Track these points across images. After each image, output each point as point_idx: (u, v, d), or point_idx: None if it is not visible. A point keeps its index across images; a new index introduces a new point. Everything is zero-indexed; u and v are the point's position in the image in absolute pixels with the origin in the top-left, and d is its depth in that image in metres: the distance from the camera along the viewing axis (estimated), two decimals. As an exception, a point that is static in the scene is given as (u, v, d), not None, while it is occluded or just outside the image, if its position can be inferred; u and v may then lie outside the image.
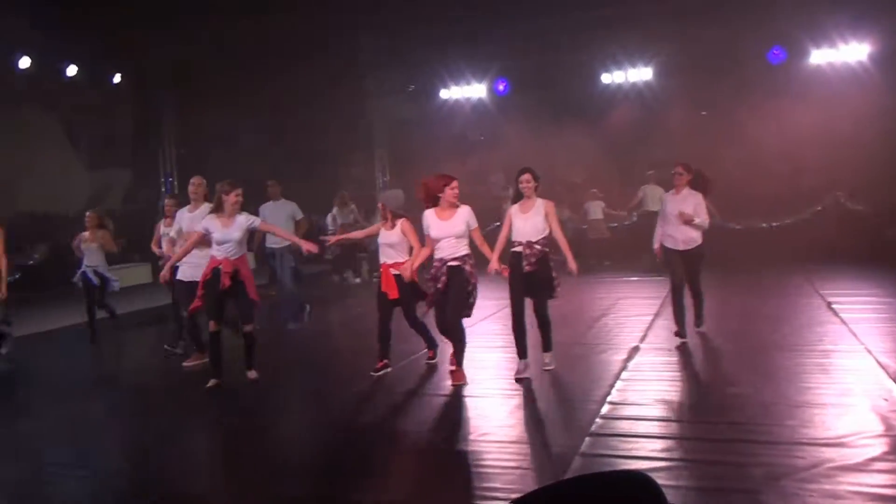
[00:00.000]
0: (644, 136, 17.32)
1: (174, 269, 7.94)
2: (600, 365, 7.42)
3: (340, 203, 16.00)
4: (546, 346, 7.20)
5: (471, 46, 17.70)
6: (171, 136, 18.99)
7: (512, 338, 7.02)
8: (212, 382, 7.23)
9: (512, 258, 7.00)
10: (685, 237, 8.13)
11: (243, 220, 7.29)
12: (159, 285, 8.71)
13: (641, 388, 6.51)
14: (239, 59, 18.60)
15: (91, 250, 9.90)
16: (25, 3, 14.04)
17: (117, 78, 17.23)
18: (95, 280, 9.95)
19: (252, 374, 7.41)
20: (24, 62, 15.56)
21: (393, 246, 7.43)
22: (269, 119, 22.56)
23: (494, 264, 6.98)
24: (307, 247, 7.48)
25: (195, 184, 8.42)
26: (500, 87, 18.75)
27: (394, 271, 7.38)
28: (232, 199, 7.25)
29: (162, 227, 9.16)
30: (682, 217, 7.97)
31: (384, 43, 18.05)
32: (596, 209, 16.49)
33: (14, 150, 24.84)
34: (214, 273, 7.12)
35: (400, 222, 7.43)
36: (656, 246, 8.41)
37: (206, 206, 7.89)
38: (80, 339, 10.29)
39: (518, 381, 6.79)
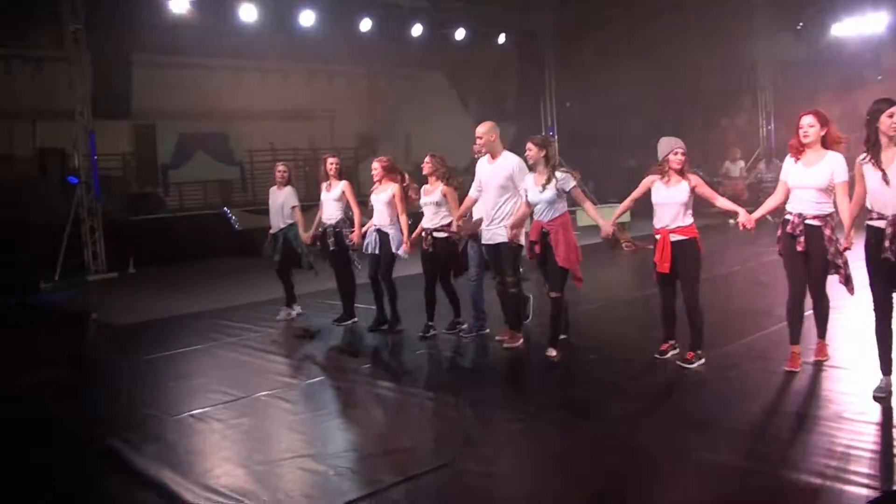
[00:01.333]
0: None
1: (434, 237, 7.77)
2: None
3: (731, 158, 18.15)
4: None
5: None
6: (552, 91, 19.77)
7: None
8: (555, 348, 6.96)
9: (869, 235, 5.30)
10: None
11: (556, 180, 6.68)
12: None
13: None
14: (620, 11, 18.77)
15: (377, 206, 8.40)
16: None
17: (502, 38, 18.30)
18: (375, 245, 8.39)
19: (551, 352, 6.83)
20: (417, 30, 17.10)
21: (677, 205, 6.28)
22: (651, 71, 22.48)
23: (848, 239, 5.62)
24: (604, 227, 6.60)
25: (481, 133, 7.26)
26: (906, 15, 16.64)
27: (675, 237, 6.28)
28: (533, 154, 6.75)
29: (422, 196, 8.02)
30: None
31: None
32: None
33: (410, 109, 27.72)
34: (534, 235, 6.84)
35: (691, 178, 6.31)
36: None
37: (510, 157, 7.24)
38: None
39: (878, 399, 5.35)
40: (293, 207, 9.31)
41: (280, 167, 9.66)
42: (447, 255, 7.89)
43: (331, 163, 8.93)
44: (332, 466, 4.76)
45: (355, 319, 8.96)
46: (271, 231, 9.44)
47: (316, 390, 6.63)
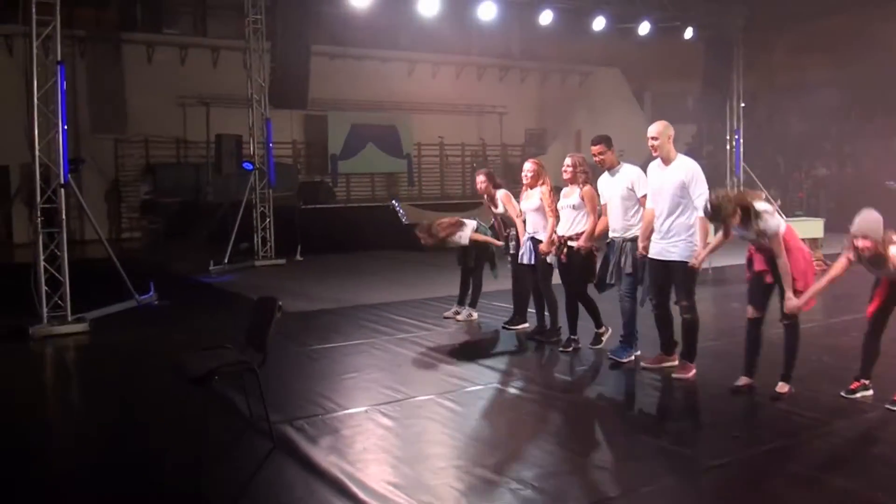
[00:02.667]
0: None
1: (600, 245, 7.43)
2: None
3: None
4: None
5: None
6: (739, 89, 19.02)
7: None
8: (742, 381, 6.43)
9: None
10: None
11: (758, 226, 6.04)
12: None
13: None
14: (816, 7, 17.92)
15: (528, 214, 8.33)
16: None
17: (689, 32, 17.77)
18: (530, 254, 8.30)
19: (782, 388, 6.26)
20: (599, 23, 16.81)
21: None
22: (847, 72, 21.33)
23: None
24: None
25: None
26: None
27: None
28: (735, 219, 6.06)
29: (560, 198, 7.81)
30: None
31: None
32: None
33: (582, 106, 27.53)
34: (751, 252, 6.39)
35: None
36: None
37: (685, 162, 6.74)
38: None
39: None
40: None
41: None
42: (582, 265, 7.64)
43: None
44: (512, 480, 4.75)
45: (527, 325, 8.95)
46: None
47: (487, 396, 6.65)
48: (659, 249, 6.84)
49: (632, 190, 7.18)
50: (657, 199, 6.86)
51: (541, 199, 8.05)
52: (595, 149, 7.32)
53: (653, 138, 6.81)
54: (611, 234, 7.42)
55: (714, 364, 7.23)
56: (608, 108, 27.02)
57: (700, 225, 6.57)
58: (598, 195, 7.52)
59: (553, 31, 17.59)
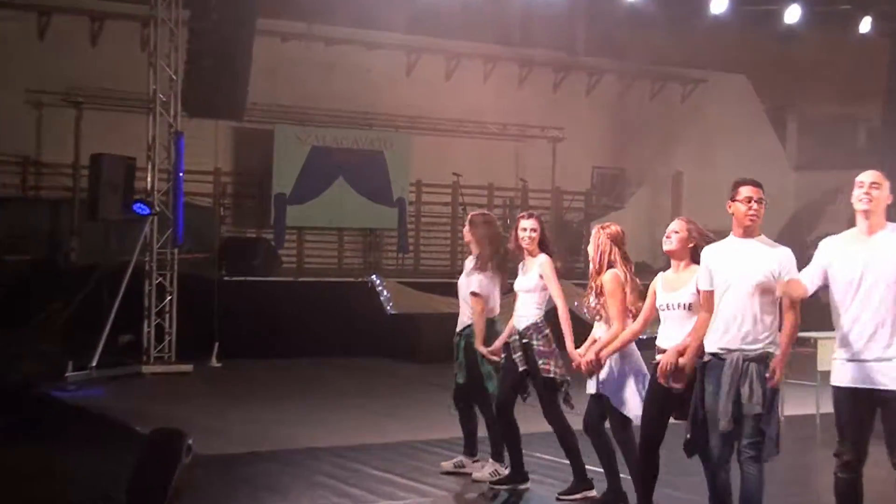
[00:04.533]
0: None
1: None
2: None
3: None
4: None
5: None
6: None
7: None
8: None
9: None
10: None
11: None
12: None
13: None
14: None
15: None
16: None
17: (865, 25, 17.97)
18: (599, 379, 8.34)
19: None
20: (719, 4, 17.06)
21: None
22: None
23: None
24: None
25: None
26: None
27: None
28: None
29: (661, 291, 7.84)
30: None
31: None
32: None
33: (686, 133, 27.65)
34: None
35: None
36: None
37: None
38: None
39: None
40: (473, 294, 9.36)
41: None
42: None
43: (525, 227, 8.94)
44: None
45: (591, 492, 8.81)
46: (457, 329, 9.60)
47: None
48: (865, 372, 6.67)
49: (774, 277, 7.01)
50: (853, 292, 6.71)
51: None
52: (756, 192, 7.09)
53: (874, 184, 6.64)
54: (716, 347, 7.20)
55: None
56: (727, 136, 27.05)
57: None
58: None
59: (642, 15, 17.81)
